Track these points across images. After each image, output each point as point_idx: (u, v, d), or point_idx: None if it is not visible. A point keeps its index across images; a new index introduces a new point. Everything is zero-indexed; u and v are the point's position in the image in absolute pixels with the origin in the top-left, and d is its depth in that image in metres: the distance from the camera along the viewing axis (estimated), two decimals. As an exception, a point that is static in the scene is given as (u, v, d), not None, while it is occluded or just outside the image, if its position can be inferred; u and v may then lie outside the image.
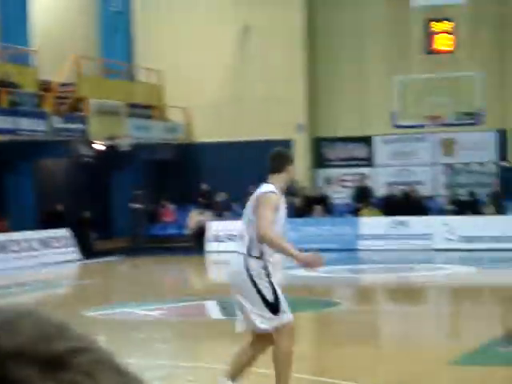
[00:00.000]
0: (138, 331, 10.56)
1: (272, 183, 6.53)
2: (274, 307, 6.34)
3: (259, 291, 6.33)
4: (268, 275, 6.37)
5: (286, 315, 6.39)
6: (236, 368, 6.49)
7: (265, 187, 6.49)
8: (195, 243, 23.09)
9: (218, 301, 12.80)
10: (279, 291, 6.42)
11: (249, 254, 6.36)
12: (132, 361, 7.59)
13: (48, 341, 0.70)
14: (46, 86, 21.60)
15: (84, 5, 25.01)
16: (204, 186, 24.45)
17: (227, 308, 12.21)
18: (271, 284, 6.38)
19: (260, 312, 6.34)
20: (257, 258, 6.36)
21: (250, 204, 6.49)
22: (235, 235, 25.26)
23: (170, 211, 24.80)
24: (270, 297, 6.33)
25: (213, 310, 12.08)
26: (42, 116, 20.43)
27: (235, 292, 6.45)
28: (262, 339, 6.44)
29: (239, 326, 6.50)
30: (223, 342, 9.84)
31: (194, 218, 23.48)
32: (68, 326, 0.73)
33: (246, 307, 6.36)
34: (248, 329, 6.45)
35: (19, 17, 22.06)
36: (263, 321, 6.34)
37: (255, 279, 6.32)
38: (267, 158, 6.69)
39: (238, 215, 23.80)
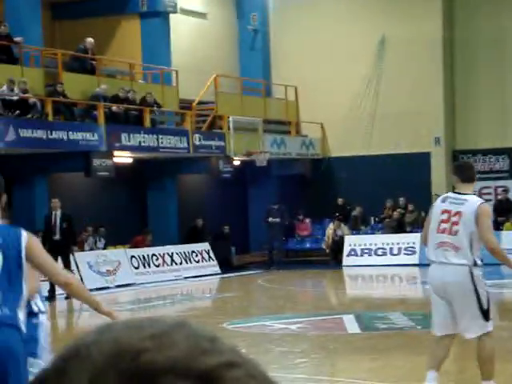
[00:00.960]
0: (276, 344, 10.72)
1: (466, 192, 6.82)
2: (486, 314, 6.65)
3: (478, 299, 6.64)
4: (485, 284, 6.79)
5: (492, 322, 6.75)
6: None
7: (474, 198, 6.83)
8: (332, 257, 23.15)
9: (355, 315, 12.81)
10: (490, 299, 6.76)
11: (473, 264, 6.64)
12: (271, 374, 7.74)
13: (201, 355, 0.67)
14: (186, 105, 22.29)
15: (223, 25, 25.65)
16: (340, 200, 24.47)
17: (365, 322, 12.20)
18: (487, 292, 6.75)
19: (474, 319, 6.63)
20: (478, 267, 6.68)
21: (465, 215, 6.65)
22: (371, 248, 24.56)
23: (306, 225, 24.96)
24: (485, 304, 6.65)
25: (350, 324, 12.09)
26: (183, 133, 21.09)
27: (450, 300, 6.68)
28: (449, 342, 6.73)
29: (438, 330, 6.77)
30: (361, 357, 9.85)
31: (331, 232, 23.53)
32: (220, 339, 0.71)
33: (460, 314, 6.63)
34: (451, 332, 6.72)
35: (161, 37, 22.90)
36: (475, 328, 6.64)
37: (478, 288, 6.65)
38: (456, 168, 7.09)
39: (374, 229, 23.85)
